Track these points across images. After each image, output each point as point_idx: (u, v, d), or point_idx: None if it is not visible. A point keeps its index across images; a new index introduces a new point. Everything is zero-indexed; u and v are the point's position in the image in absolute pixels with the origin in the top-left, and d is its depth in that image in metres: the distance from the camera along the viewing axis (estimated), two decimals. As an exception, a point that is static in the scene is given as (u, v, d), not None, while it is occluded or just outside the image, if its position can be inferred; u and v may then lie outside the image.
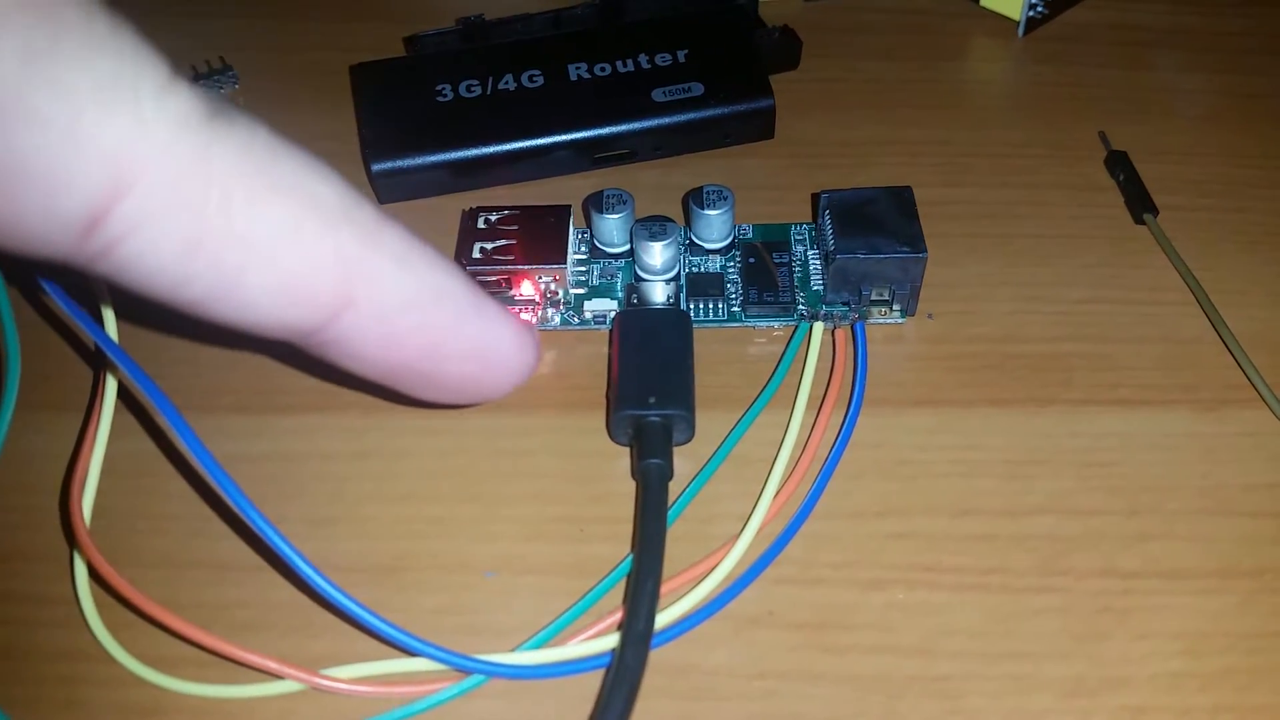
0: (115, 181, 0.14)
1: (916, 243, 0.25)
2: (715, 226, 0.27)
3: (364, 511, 0.23)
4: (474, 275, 0.26)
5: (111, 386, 0.23)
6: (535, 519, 0.23)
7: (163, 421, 0.24)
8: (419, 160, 0.30)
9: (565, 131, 0.30)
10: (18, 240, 0.15)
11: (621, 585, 0.22)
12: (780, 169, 0.31)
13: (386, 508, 0.23)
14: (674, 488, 0.23)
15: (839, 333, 0.26)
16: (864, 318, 0.26)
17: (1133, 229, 0.29)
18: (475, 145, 0.30)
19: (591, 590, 0.22)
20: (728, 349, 0.26)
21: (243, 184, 0.15)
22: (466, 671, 0.20)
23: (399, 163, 0.30)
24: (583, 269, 0.28)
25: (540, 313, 0.27)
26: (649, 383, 0.24)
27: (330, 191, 0.16)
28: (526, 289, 0.27)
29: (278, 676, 0.20)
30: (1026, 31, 0.36)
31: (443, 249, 0.28)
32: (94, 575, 0.21)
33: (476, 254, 0.26)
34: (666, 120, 0.31)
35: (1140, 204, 0.29)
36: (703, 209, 0.27)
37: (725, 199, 0.27)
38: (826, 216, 0.26)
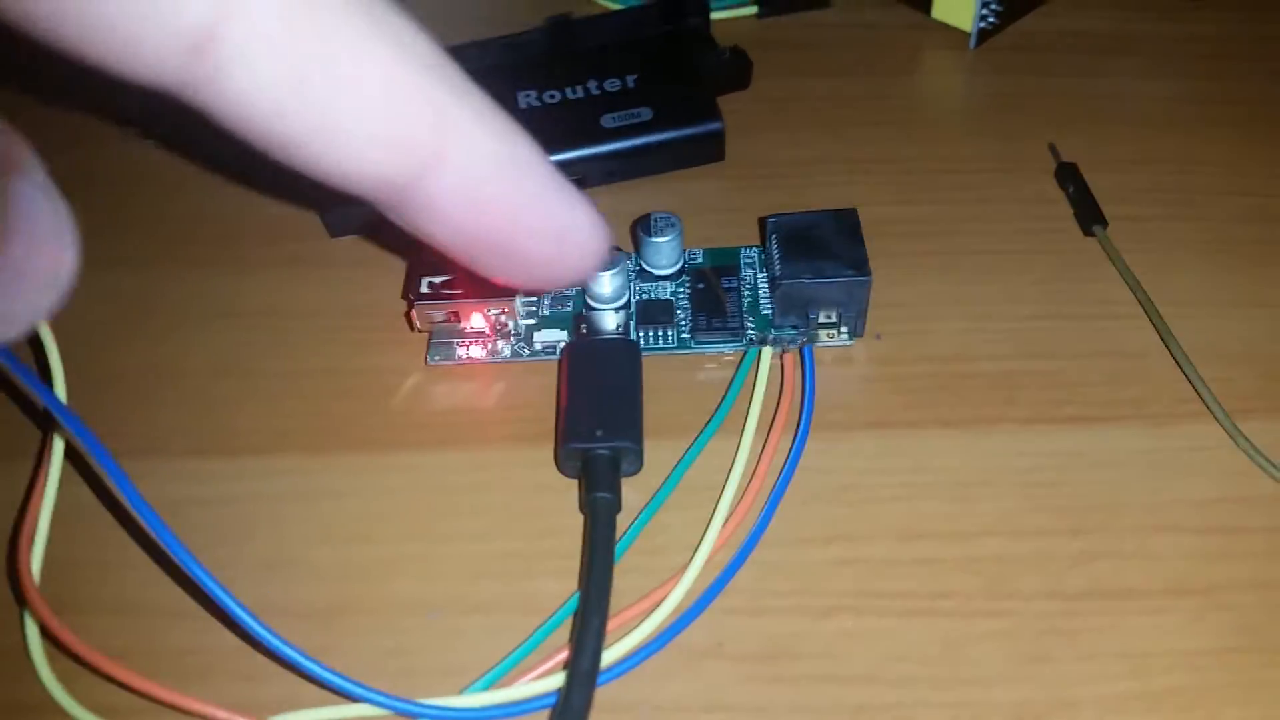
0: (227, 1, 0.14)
1: (861, 266, 0.25)
2: (664, 253, 0.27)
3: (311, 554, 0.23)
4: (423, 310, 0.26)
5: (60, 437, 0.23)
6: (482, 556, 0.23)
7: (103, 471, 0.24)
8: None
9: (515, 160, 0.30)
10: (130, 59, 0.15)
11: (571, 621, 0.22)
12: (731, 191, 0.31)
13: (333, 549, 0.23)
14: (623, 519, 0.23)
15: (787, 357, 0.26)
16: (812, 341, 0.26)
17: (1082, 242, 0.29)
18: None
19: (540, 627, 0.22)
20: (677, 376, 0.26)
21: (349, 23, 0.15)
22: (411, 717, 0.20)
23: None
24: (532, 300, 0.28)
25: (490, 345, 0.27)
26: (596, 415, 0.24)
27: (427, 47, 0.17)
28: (477, 321, 0.27)
29: (224, 726, 0.20)
30: (979, 43, 0.36)
31: (394, 282, 0.29)
32: (43, 629, 0.21)
33: (425, 289, 0.26)
34: (616, 146, 0.31)
35: (1090, 216, 0.29)
36: (650, 236, 0.27)
37: (673, 226, 0.27)
38: (773, 241, 0.26)
